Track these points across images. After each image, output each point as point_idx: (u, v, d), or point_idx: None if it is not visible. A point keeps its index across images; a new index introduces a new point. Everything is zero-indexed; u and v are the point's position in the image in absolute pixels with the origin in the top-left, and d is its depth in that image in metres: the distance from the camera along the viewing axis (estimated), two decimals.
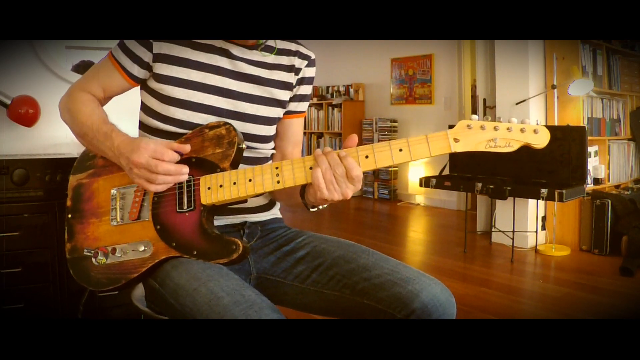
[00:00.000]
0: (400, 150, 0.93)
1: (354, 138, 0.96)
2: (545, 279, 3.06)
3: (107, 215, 1.09)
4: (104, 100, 1.15)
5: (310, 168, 0.96)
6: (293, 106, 1.22)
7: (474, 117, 0.92)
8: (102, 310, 1.96)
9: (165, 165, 0.97)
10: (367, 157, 0.94)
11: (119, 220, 1.07)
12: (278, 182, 0.98)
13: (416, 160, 0.92)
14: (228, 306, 0.86)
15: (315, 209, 1.02)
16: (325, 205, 1.00)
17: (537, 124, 0.93)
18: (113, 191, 1.09)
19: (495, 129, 0.91)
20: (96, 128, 1.05)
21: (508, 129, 0.91)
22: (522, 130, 0.92)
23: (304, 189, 1.02)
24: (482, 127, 0.91)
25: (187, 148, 1.01)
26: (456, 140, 0.91)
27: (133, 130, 1.20)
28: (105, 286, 1.06)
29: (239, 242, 0.98)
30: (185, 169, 1.00)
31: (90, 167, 1.14)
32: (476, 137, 0.91)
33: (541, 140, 0.92)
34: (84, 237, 1.10)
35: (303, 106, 1.25)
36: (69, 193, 1.15)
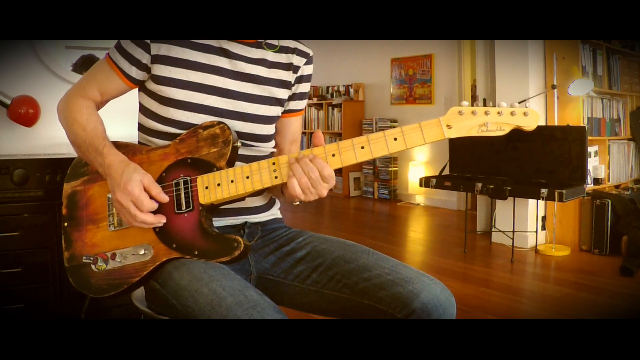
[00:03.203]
0: (395, 139, 0.94)
1: (320, 135, 0.98)
2: (545, 279, 3.06)
3: (104, 221, 1.08)
4: (102, 104, 1.14)
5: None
6: (293, 105, 1.22)
7: (465, 103, 0.94)
8: (102, 310, 1.96)
9: (143, 216, 0.99)
10: (362, 147, 0.95)
11: (116, 225, 1.07)
12: (276, 177, 0.98)
13: (411, 147, 0.95)
14: (231, 307, 0.86)
15: (296, 203, 1.04)
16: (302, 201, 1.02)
17: (527, 107, 0.95)
18: (110, 196, 1.08)
19: (486, 113, 0.93)
20: (89, 141, 1.06)
21: (499, 112, 0.93)
22: (512, 114, 0.94)
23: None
24: (473, 113, 0.93)
25: (165, 199, 1.01)
26: (449, 126, 0.93)
27: (131, 133, 1.19)
28: (106, 292, 1.06)
29: (240, 240, 0.98)
30: (163, 219, 1.01)
31: (85, 174, 1.13)
32: (468, 122, 0.93)
33: (531, 122, 0.94)
34: (81, 244, 1.10)
35: (302, 104, 1.25)
36: (64, 201, 1.14)
